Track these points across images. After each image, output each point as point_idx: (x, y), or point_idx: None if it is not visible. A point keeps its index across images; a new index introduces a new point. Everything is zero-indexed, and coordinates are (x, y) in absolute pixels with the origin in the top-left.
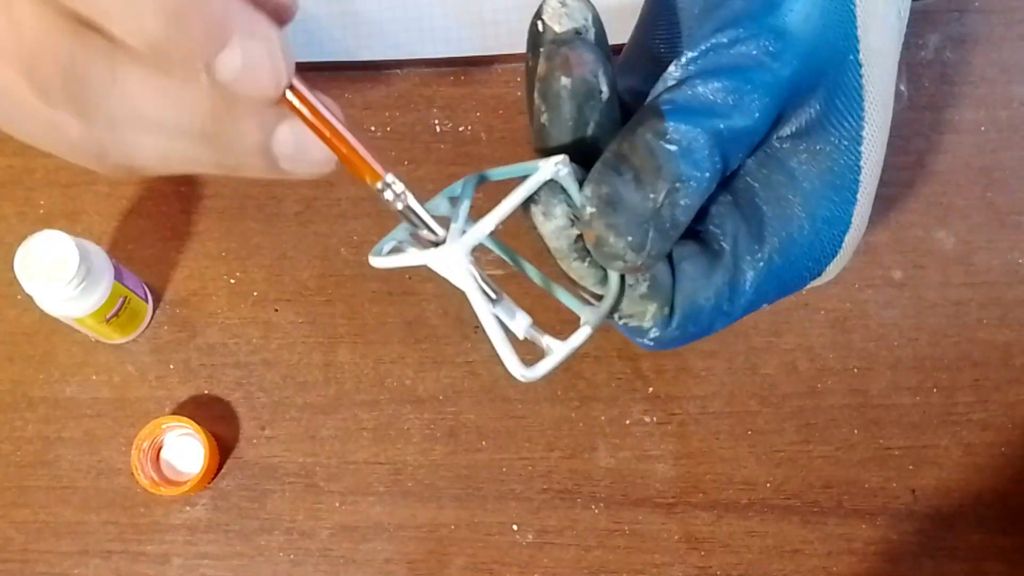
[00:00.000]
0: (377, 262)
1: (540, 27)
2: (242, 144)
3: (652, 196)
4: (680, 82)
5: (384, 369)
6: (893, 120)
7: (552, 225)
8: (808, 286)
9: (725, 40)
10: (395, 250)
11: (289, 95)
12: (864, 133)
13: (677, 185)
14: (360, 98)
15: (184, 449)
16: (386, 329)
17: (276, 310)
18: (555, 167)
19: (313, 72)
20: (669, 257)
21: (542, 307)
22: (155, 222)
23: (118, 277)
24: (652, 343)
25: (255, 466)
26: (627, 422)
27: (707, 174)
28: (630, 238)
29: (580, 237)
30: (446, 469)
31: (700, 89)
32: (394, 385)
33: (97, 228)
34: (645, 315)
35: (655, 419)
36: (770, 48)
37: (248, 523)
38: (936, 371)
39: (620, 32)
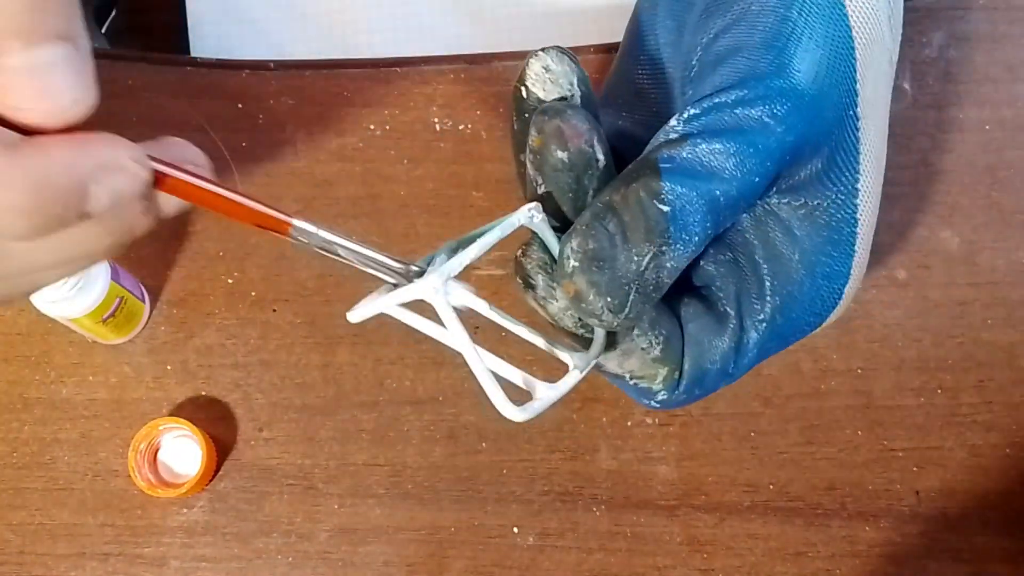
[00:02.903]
0: (354, 315)
1: (524, 93)
2: (133, 233)
3: (637, 258)
4: (681, 138)
5: (383, 370)
6: (896, 118)
7: (555, 307)
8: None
9: (730, 100)
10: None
11: (175, 174)
12: (859, 186)
13: (664, 248)
14: (360, 96)
15: (181, 451)
16: (385, 330)
17: (274, 310)
18: (528, 213)
19: (312, 71)
20: (677, 317)
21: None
22: None
23: (115, 277)
24: (658, 405)
25: (253, 468)
26: (629, 423)
27: (696, 238)
28: (610, 299)
29: None
30: (446, 471)
31: (700, 149)
32: (393, 386)
33: None
34: (656, 378)
35: (657, 420)
36: (776, 112)
37: (246, 525)
38: (940, 372)
39: (617, 31)
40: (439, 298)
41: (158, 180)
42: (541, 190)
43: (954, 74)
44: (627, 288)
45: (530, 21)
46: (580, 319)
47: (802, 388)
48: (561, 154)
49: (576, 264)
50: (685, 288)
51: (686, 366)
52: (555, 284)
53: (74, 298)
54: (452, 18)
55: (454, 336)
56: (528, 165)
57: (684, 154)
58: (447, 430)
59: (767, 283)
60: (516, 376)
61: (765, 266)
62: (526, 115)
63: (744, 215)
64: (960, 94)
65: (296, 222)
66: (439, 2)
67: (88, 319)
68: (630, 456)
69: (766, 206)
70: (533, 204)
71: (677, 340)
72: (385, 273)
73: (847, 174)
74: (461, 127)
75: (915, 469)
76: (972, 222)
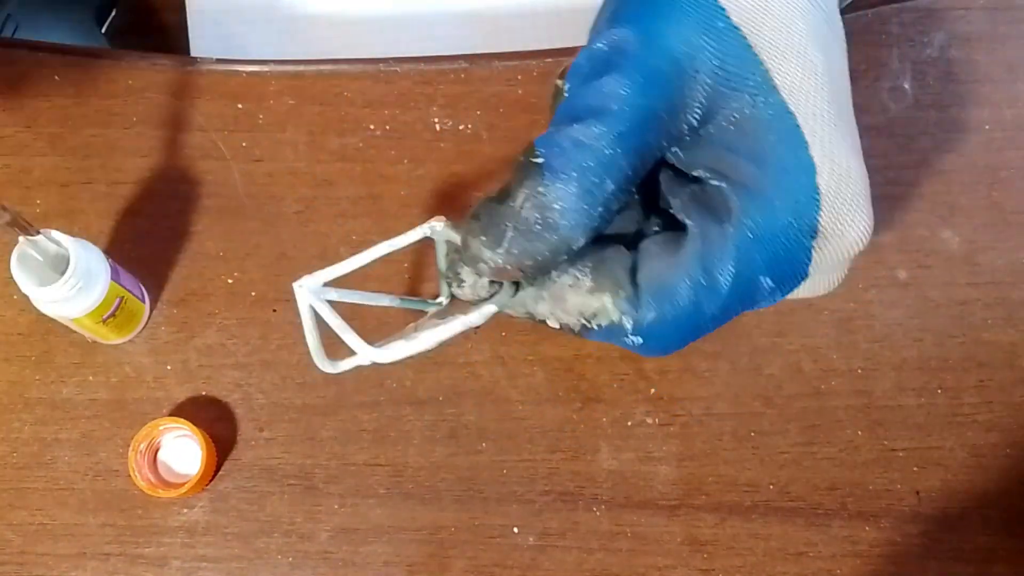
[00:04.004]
0: (322, 363)
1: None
2: None
3: (511, 202)
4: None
5: (384, 370)
6: (897, 118)
7: (466, 287)
8: (834, 251)
9: (583, 56)
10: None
11: None
12: (777, 82)
13: (540, 189)
14: (360, 96)
15: (182, 451)
16: (386, 330)
17: (275, 310)
18: (429, 225)
19: (312, 71)
20: (629, 247)
21: None
22: (153, 222)
23: (115, 277)
24: (640, 339)
25: (253, 468)
26: (629, 423)
27: (574, 173)
28: (484, 237)
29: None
30: (447, 471)
31: (567, 105)
32: (394, 386)
33: (94, 228)
34: (606, 309)
35: (658, 420)
36: (615, 45)
37: (247, 525)
38: (941, 372)
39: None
40: (302, 294)
41: None
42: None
43: (954, 74)
44: (502, 227)
45: (530, 21)
46: (492, 284)
47: (803, 388)
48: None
49: (461, 226)
50: None
51: (640, 280)
52: (460, 268)
53: (74, 298)
54: (452, 18)
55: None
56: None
57: (556, 115)
58: (448, 430)
59: (726, 195)
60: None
61: (720, 184)
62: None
63: (685, 156)
64: (961, 94)
65: None
66: (439, 2)
67: (88, 319)
68: (631, 456)
69: (696, 139)
70: (436, 217)
71: (613, 264)
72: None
73: (750, 76)
74: (461, 127)
75: (916, 469)
76: (973, 222)
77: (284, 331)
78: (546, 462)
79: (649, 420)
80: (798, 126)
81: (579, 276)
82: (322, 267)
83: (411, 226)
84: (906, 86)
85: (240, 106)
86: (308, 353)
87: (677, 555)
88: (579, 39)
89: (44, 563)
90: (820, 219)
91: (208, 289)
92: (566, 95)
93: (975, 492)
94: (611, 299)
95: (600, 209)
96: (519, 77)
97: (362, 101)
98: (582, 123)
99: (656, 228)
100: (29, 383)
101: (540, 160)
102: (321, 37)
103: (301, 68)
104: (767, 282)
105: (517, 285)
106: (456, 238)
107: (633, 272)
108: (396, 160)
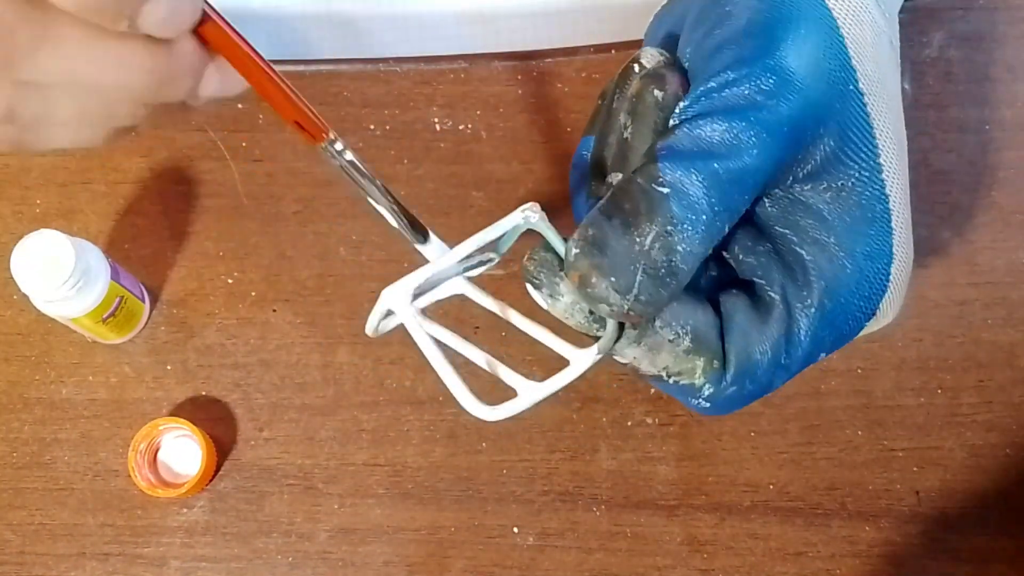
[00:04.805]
0: (371, 329)
1: (636, 68)
2: (173, 92)
3: (640, 239)
4: (677, 125)
5: (383, 370)
6: None
7: (562, 304)
8: (866, 330)
9: (720, 83)
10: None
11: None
12: (882, 161)
13: (669, 228)
14: (359, 96)
15: (181, 451)
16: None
17: (274, 310)
18: (523, 214)
19: (312, 70)
20: (719, 311)
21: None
22: (152, 221)
23: (115, 277)
24: (708, 404)
25: (253, 468)
26: (629, 423)
27: (704, 216)
28: (613, 278)
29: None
30: (446, 471)
31: (696, 132)
32: (393, 386)
33: (94, 227)
34: (694, 372)
35: (657, 420)
36: (763, 87)
37: (246, 525)
38: (940, 372)
39: (617, 31)
40: (398, 305)
41: (211, 34)
42: (628, 133)
43: (954, 74)
44: (632, 268)
45: (530, 21)
46: (591, 314)
47: (802, 388)
48: (658, 93)
49: (578, 251)
50: (731, 286)
51: (731, 355)
52: (559, 279)
53: (74, 298)
54: (452, 18)
55: (420, 341)
56: (623, 114)
57: (679, 138)
58: (447, 430)
59: (810, 267)
60: (508, 375)
61: (804, 252)
62: (630, 80)
63: (773, 208)
64: (960, 94)
65: (332, 134)
66: (439, 2)
67: (88, 319)
68: (630, 456)
69: (790, 195)
70: (528, 204)
71: (711, 329)
72: (394, 217)
73: (865, 150)
74: (461, 127)
75: (915, 469)
76: (972, 222)
77: (283, 331)
78: (545, 462)
79: (648, 420)
80: (889, 212)
81: (680, 334)
82: (322, 267)
83: None
84: (905, 86)
85: (240, 106)
86: (306, 353)
87: (676, 555)
88: (579, 39)
89: (43, 563)
90: (881, 303)
91: (207, 289)
92: (687, 116)
93: (974, 492)
94: (704, 366)
95: (711, 253)
96: (519, 77)
97: (361, 101)
98: (721, 162)
99: (714, 275)
100: (28, 383)
101: (666, 191)
102: (320, 37)
103: (301, 68)
104: (823, 356)
105: (621, 326)
106: (551, 235)
107: (721, 338)
108: (395, 160)
